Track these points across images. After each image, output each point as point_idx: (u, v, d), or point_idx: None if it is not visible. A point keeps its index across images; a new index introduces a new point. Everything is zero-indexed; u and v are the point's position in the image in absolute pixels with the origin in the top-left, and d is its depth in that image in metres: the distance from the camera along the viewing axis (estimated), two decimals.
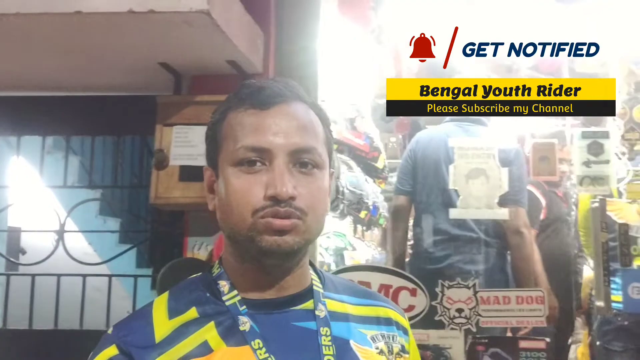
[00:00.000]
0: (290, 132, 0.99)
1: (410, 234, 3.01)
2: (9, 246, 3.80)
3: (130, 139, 3.30)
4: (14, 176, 3.58)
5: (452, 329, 2.36)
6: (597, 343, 2.77)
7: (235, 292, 1.01)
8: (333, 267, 3.40)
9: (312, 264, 1.08)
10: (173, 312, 1.00)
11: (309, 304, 1.04)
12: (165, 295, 1.04)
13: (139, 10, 1.71)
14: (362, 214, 3.65)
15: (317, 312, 1.02)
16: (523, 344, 2.45)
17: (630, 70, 2.45)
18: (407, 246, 2.88)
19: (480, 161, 2.49)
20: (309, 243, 1.01)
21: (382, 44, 3.49)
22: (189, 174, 2.13)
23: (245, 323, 0.98)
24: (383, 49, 3.57)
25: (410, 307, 2.42)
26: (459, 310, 2.42)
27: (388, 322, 1.10)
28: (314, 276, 1.08)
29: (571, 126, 2.48)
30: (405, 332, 1.12)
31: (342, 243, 3.50)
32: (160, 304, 1.02)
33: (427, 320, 2.39)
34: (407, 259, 2.91)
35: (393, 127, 4.85)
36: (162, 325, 0.98)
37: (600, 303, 2.48)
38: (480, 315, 2.41)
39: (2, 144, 4.22)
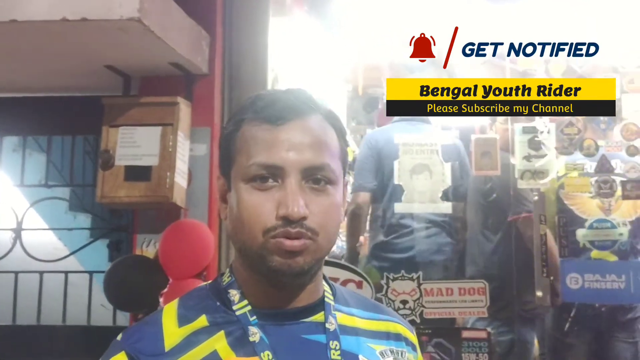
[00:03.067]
0: (304, 149, 0.98)
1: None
2: None
3: (87, 138, 3.36)
4: None
5: None
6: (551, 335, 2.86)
7: (246, 301, 1.01)
8: None
9: (324, 276, 1.08)
10: (183, 320, 1.00)
11: (319, 316, 1.03)
12: (175, 302, 1.04)
13: (72, 18, 1.75)
14: None
15: (327, 325, 1.02)
16: (465, 334, 2.53)
17: (569, 67, 2.53)
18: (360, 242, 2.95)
19: (424, 157, 2.57)
20: (320, 261, 1.01)
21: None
22: (134, 173, 2.18)
23: (255, 334, 0.99)
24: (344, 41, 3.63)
25: None
26: (404, 302, 2.50)
27: (397, 337, 1.10)
28: (327, 288, 1.07)
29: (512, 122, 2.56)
30: (414, 348, 1.12)
31: None
32: (170, 311, 1.02)
33: None
34: (365, 252, 2.98)
35: (374, 119, 4.86)
36: (171, 333, 0.98)
37: (539, 293, 2.58)
38: (424, 306, 2.50)
39: None
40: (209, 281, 1.08)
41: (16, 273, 2.72)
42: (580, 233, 2.51)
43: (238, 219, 0.99)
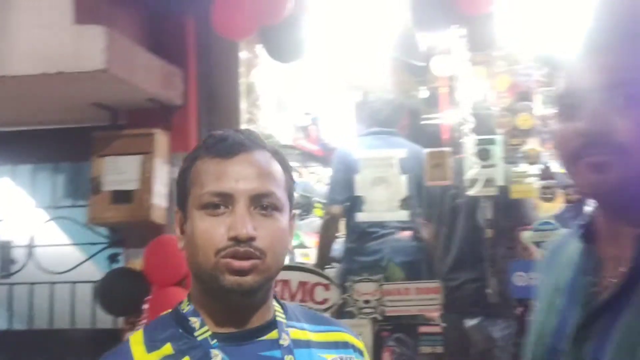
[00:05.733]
0: (251, 178, 1.06)
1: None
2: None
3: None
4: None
5: (360, 318, 2.68)
6: None
7: (206, 327, 1.08)
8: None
9: (274, 297, 1.15)
10: (150, 347, 1.07)
11: (273, 334, 1.10)
12: (140, 332, 1.12)
13: (50, 72, 2.07)
14: (317, 212, 4.00)
15: (281, 342, 1.09)
16: (422, 329, 2.77)
17: (514, 81, 2.72)
18: (332, 249, 3.21)
19: (382, 170, 2.81)
20: (269, 280, 1.08)
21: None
22: (119, 197, 2.50)
23: (217, 356, 1.05)
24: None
25: (325, 301, 2.75)
26: (367, 302, 2.75)
27: (345, 345, 1.17)
28: (277, 307, 1.14)
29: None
30: (361, 353, 1.19)
31: (294, 241, 3.86)
32: (137, 340, 1.09)
33: (340, 311, 2.74)
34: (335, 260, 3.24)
35: None
36: (141, 358, 1.06)
37: (489, 290, 2.82)
38: (385, 305, 2.74)
39: None
40: (169, 310, 1.16)
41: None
42: (526, 235, 2.71)
43: (193, 244, 1.06)
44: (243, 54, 2.86)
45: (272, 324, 1.11)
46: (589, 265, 1.10)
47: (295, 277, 2.75)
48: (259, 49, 2.89)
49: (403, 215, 2.79)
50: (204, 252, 1.04)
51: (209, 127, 2.79)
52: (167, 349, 1.07)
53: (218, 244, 1.03)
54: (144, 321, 2.47)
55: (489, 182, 2.74)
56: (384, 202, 2.76)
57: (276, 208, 1.08)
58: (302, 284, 2.76)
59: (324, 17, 2.80)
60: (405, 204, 2.78)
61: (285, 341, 1.10)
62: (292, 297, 2.67)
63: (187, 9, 2.59)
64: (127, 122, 2.66)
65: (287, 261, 3.70)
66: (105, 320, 3.06)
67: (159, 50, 2.51)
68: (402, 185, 2.77)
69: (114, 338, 2.64)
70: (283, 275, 2.69)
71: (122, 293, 2.48)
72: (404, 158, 2.85)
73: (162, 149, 2.55)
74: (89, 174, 2.57)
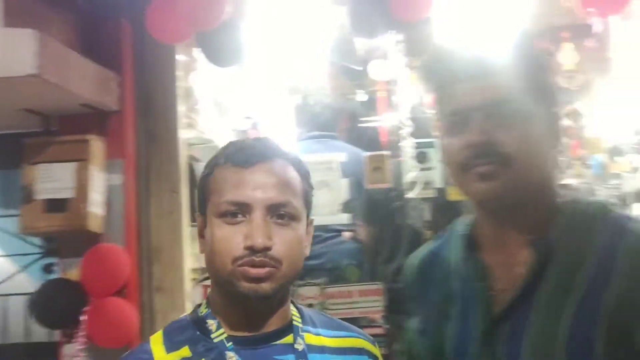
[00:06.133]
0: (268, 188, 1.09)
1: None
2: None
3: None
4: None
5: None
6: None
7: (222, 330, 1.12)
8: None
9: (292, 301, 1.18)
10: (169, 348, 1.11)
11: (289, 338, 1.13)
12: (160, 333, 1.16)
13: None
14: None
15: (296, 346, 1.12)
16: (366, 330, 2.79)
17: None
18: None
19: (323, 174, 2.82)
20: (285, 287, 1.11)
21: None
22: (53, 206, 2.40)
23: (232, 358, 1.09)
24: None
25: None
26: (310, 305, 2.76)
27: (360, 351, 1.20)
28: (295, 312, 1.18)
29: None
30: (376, 359, 1.22)
31: None
32: (157, 341, 1.14)
33: None
34: None
35: None
36: (162, 357, 1.10)
37: None
38: (328, 308, 2.75)
39: None
40: (188, 313, 1.21)
41: None
42: None
43: (211, 251, 1.11)
44: (181, 58, 2.81)
45: (289, 329, 1.14)
46: (476, 272, 1.17)
47: None
48: (197, 52, 2.85)
49: (345, 218, 2.81)
50: (221, 260, 1.09)
51: (146, 132, 2.73)
52: (185, 351, 1.11)
53: (235, 252, 1.07)
54: (82, 333, 2.39)
55: (427, 184, 2.80)
56: (326, 206, 2.77)
57: (292, 217, 1.11)
58: None
59: (262, 21, 2.80)
60: (346, 207, 2.80)
61: (300, 345, 1.13)
62: None
63: (123, 12, 2.53)
64: (60, 128, 2.56)
65: None
66: (40, 333, 2.96)
67: (93, 54, 2.44)
68: (343, 188, 2.79)
69: (50, 352, 2.56)
70: None
71: (58, 305, 2.40)
72: (344, 161, 2.87)
73: (97, 155, 2.48)
74: (20, 182, 2.47)
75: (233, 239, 1.08)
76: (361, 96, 3.95)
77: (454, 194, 2.81)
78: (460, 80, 1.12)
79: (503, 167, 1.08)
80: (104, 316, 2.38)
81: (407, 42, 2.55)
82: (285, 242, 1.09)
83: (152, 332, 2.59)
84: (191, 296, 2.66)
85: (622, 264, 1.06)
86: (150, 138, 2.72)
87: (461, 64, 1.14)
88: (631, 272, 1.05)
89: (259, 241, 1.07)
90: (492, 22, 2.57)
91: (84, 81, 2.32)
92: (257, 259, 1.07)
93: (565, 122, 3.68)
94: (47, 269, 2.84)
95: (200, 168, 3.03)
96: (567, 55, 3.48)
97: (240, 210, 1.10)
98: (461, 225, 1.24)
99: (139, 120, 2.70)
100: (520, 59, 1.14)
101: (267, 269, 1.07)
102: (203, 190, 1.16)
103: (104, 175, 2.53)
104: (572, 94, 3.65)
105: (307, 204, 1.17)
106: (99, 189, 2.48)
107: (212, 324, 1.13)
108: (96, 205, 2.44)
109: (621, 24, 2.99)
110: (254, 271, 1.07)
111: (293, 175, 1.14)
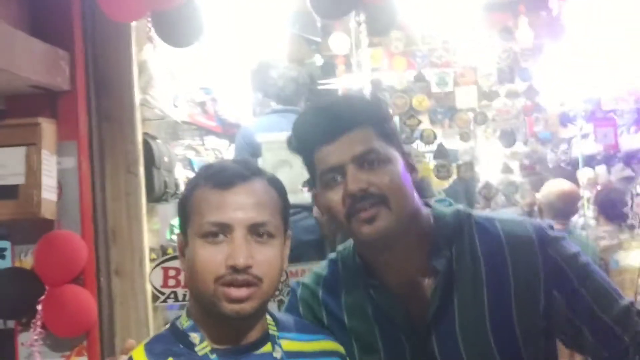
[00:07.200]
0: (248, 208, 1.14)
1: None
2: None
3: None
4: None
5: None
6: None
7: (206, 343, 1.15)
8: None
9: (267, 310, 1.23)
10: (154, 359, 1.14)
11: (268, 347, 1.18)
12: (141, 348, 1.18)
13: None
14: None
15: (274, 354, 1.18)
16: None
17: (409, 63, 2.75)
18: None
19: (285, 153, 2.75)
20: (265, 303, 1.17)
21: None
22: (3, 192, 2.27)
23: None
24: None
25: None
26: None
27: (332, 353, 1.27)
28: (270, 320, 1.23)
29: None
30: (344, 358, 1.29)
31: None
32: (139, 354, 1.16)
33: None
34: None
35: None
36: None
37: None
38: (290, 286, 2.74)
39: None
40: (168, 325, 1.24)
41: None
42: None
43: (193, 270, 1.14)
44: (134, 31, 2.67)
45: (266, 338, 1.20)
46: (385, 300, 1.31)
47: None
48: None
49: (306, 197, 2.77)
50: (203, 279, 1.12)
51: (99, 112, 2.61)
52: None
53: (217, 271, 1.11)
54: (39, 322, 2.31)
55: None
56: (288, 185, 2.70)
57: (271, 235, 1.16)
58: None
59: None
60: (307, 185, 2.76)
61: (278, 353, 1.19)
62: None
63: None
64: (8, 111, 2.42)
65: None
66: None
67: (42, 33, 2.29)
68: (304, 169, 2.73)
69: (5, 339, 2.47)
70: (177, 264, 2.61)
71: (11, 294, 2.30)
72: None
73: (49, 138, 2.36)
74: None
75: (215, 258, 1.12)
76: (319, 60, 3.90)
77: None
78: (325, 142, 1.25)
79: (382, 207, 1.22)
80: (60, 305, 2.29)
81: (368, 21, 2.49)
82: (265, 261, 1.13)
83: (112, 316, 2.56)
84: (151, 279, 2.60)
85: (510, 255, 1.29)
86: (104, 117, 2.60)
87: (320, 129, 1.26)
88: (518, 259, 1.28)
89: (241, 260, 1.10)
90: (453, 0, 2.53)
91: (32, 61, 2.18)
92: (239, 277, 1.10)
93: (522, 99, 3.71)
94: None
95: (156, 145, 2.94)
96: (524, 32, 3.46)
97: (221, 231, 1.13)
98: (346, 255, 1.38)
99: (93, 99, 2.57)
100: (369, 112, 1.29)
101: (248, 290, 1.11)
102: (184, 211, 1.19)
103: (56, 158, 2.41)
104: (528, 71, 3.66)
105: (285, 220, 1.22)
106: (51, 173, 2.37)
107: (195, 337, 1.17)
108: (49, 190, 2.33)
109: None
110: (236, 293, 1.10)
111: (272, 194, 1.19)
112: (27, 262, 2.42)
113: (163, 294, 2.51)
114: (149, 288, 2.57)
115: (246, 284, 1.11)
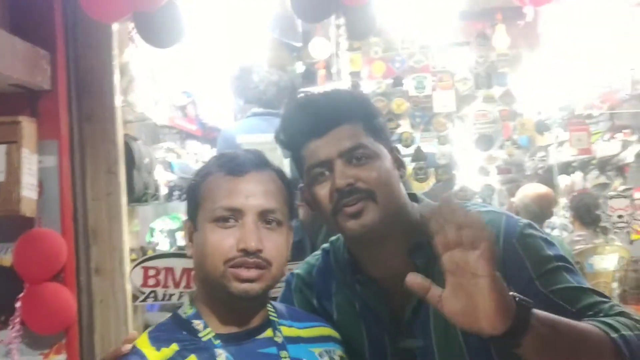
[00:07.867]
0: (259, 196, 1.17)
1: None
2: None
3: None
4: None
5: None
6: None
7: (209, 329, 1.18)
8: (166, 248, 3.66)
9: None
10: (158, 347, 1.16)
11: (269, 332, 1.22)
12: (144, 336, 1.19)
13: None
14: None
15: (275, 339, 1.21)
16: None
17: (388, 67, 2.79)
18: None
19: (267, 155, 2.77)
20: (272, 287, 1.20)
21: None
22: None
23: (221, 354, 1.16)
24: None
25: None
26: None
27: (328, 338, 1.30)
28: (270, 307, 1.26)
29: None
30: (340, 342, 1.32)
31: (175, 225, 3.76)
32: (144, 343, 1.17)
33: None
34: None
35: None
36: (154, 356, 1.15)
37: None
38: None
39: None
40: (169, 316, 1.25)
41: None
42: None
43: (203, 253, 1.17)
44: (115, 32, 2.69)
45: (267, 324, 1.23)
46: (370, 296, 1.33)
47: (179, 264, 2.67)
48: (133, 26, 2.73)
49: None
50: (213, 261, 1.15)
51: (80, 112, 2.61)
52: (174, 347, 1.16)
53: (227, 254, 1.14)
54: (18, 319, 2.31)
55: None
56: None
57: (279, 223, 1.20)
58: (187, 270, 2.69)
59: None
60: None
61: (279, 338, 1.22)
62: (177, 285, 2.60)
63: None
64: None
65: (169, 247, 3.65)
66: None
67: (23, 32, 2.30)
68: (286, 169, 2.75)
69: None
70: (167, 262, 2.61)
71: None
72: None
73: (29, 137, 2.36)
74: None
75: (225, 241, 1.15)
76: (300, 67, 3.93)
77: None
78: (314, 137, 1.26)
79: (369, 202, 1.23)
80: (39, 303, 2.30)
81: (348, 25, 2.53)
82: (273, 246, 1.17)
83: (91, 315, 2.56)
84: (131, 278, 2.60)
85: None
86: (85, 117, 2.61)
87: (309, 124, 1.27)
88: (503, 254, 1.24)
89: (252, 244, 1.14)
90: (431, 4, 2.59)
91: (12, 60, 2.19)
92: (250, 260, 1.14)
93: (499, 104, 3.78)
94: None
95: (137, 147, 2.95)
96: (500, 38, 3.53)
97: (233, 216, 1.17)
98: (337, 248, 1.39)
99: (74, 99, 2.57)
100: (357, 107, 1.30)
101: (258, 271, 1.15)
102: (194, 197, 1.22)
103: (37, 157, 2.42)
104: (505, 77, 3.73)
105: (291, 210, 1.25)
106: (32, 171, 2.37)
107: (198, 324, 1.19)
108: (29, 188, 2.33)
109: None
110: (246, 273, 1.14)
111: (280, 184, 1.23)
112: (6, 259, 2.41)
113: (143, 293, 2.50)
114: (128, 287, 2.57)
115: (256, 266, 1.14)
